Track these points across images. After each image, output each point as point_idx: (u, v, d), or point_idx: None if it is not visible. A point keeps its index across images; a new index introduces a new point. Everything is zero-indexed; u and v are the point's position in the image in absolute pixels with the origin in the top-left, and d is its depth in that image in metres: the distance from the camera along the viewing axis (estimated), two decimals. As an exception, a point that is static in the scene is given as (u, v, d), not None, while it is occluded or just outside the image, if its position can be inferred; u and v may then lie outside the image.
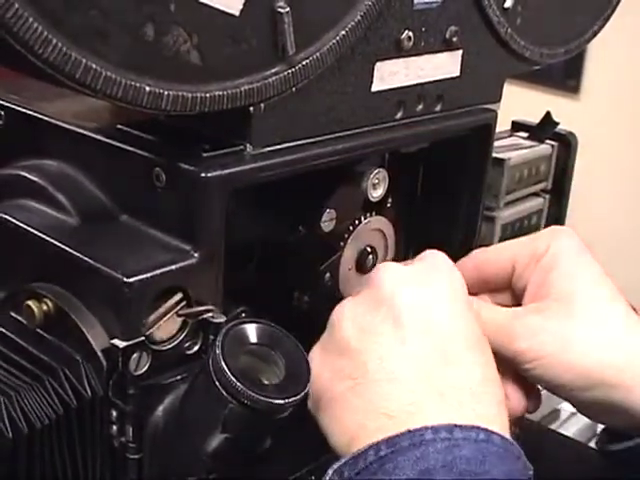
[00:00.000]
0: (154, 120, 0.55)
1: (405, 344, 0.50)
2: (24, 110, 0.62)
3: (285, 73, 0.52)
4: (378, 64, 0.59)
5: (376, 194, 0.65)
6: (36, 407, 0.50)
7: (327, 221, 0.63)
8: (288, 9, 0.50)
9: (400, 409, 0.48)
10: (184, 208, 0.52)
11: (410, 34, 0.60)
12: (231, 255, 0.54)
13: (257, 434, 0.51)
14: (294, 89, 0.54)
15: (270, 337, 0.51)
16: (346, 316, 0.53)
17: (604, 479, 0.69)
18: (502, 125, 0.75)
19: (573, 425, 1.13)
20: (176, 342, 0.52)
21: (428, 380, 0.49)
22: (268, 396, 0.48)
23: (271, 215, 0.63)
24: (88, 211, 0.56)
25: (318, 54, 0.54)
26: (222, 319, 0.53)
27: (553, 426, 1.11)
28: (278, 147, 0.55)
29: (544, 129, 0.87)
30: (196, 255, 0.52)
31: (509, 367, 0.55)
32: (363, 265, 0.67)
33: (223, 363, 0.47)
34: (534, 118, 0.88)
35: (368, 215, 0.66)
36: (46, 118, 0.60)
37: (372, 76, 0.59)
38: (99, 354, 0.50)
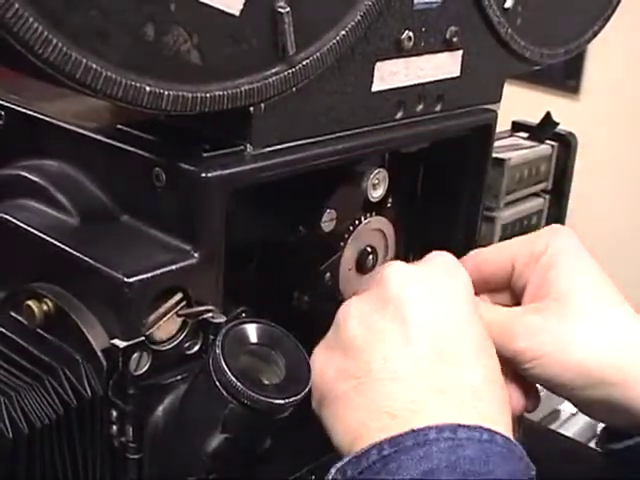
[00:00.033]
0: (154, 120, 0.55)
1: (410, 344, 0.50)
2: (24, 110, 0.62)
3: (285, 73, 0.52)
4: (378, 64, 0.59)
5: (376, 194, 0.65)
6: (36, 407, 0.50)
7: (327, 221, 0.63)
8: (288, 9, 0.50)
9: (403, 408, 0.48)
10: (184, 208, 0.52)
11: (410, 34, 0.60)
12: (231, 255, 0.54)
13: (257, 434, 0.51)
14: (294, 89, 0.54)
15: (270, 337, 0.51)
16: (352, 315, 0.53)
17: (604, 479, 0.69)
18: (502, 125, 0.75)
19: (573, 425, 1.13)
20: (176, 342, 0.52)
21: (431, 379, 0.49)
22: (268, 396, 0.48)
23: (271, 215, 0.63)
24: (88, 211, 0.56)
25: (318, 54, 0.54)
26: (222, 319, 0.53)
27: (553, 426, 1.11)
28: (278, 147, 0.55)
29: (544, 129, 0.87)
30: (196, 255, 0.52)
31: (508, 366, 0.55)
32: (363, 265, 0.67)
33: (223, 363, 0.47)
34: (534, 118, 0.88)
35: (368, 215, 0.66)
36: (46, 118, 0.60)
37: (372, 76, 0.59)
38: (99, 354, 0.50)
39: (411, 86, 0.63)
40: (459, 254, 0.61)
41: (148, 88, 0.46)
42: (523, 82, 1.94)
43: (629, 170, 2.14)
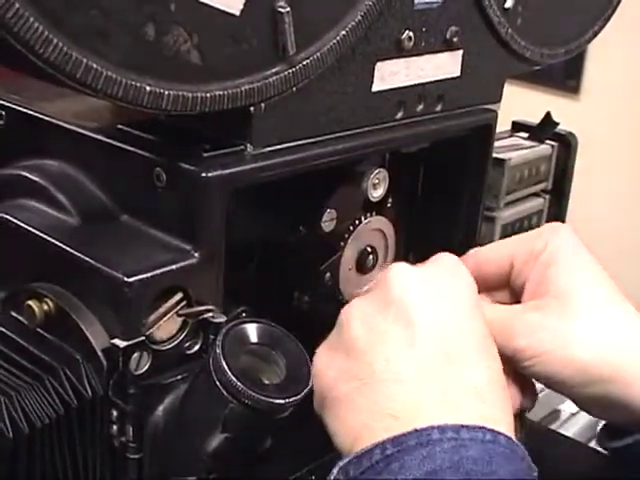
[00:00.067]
0: (154, 120, 0.55)
1: (414, 346, 0.50)
2: (25, 110, 0.62)
3: (285, 73, 0.52)
4: (379, 64, 0.59)
5: (376, 194, 0.65)
6: (36, 407, 0.50)
7: (327, 221, 0.63)
8: (288, 9, 0.50)
9: (405, 410, 0.48)
10: (184, 208, 0.52)
11: (411, 34, 0.60)
12: (231, 255, 0.54)
13: (257, 434, 0.51)
14: (294, 89, 0.54)
15: (271, 337, 0.51)
16: (355, 316, 0.52)
17: (604, 479, 0.69)
18: (502, 125, 0.75)
19: (573, 425, 1.13)
20: (176, 342, 0.52)
21: (434, 381, 0.49)
22: (269, 396, 0.48)
23: (271, 215, 0.63)
24: (89, 211, 0.56)
25: (318, 54, 0.54)
26: (222, 319, 0.53)
27: (553, 426, 1.11)
28: (278, 147, 0.55)
29: (544, 129, 0.87)
30: (196, 255, 0.52)
31: (506, 364, 0.55)
32: (363, 265, 0.67)
33: (224, 363, 0.47)
34: (534, 118, 0.88)
35: (368, 215, 0.66)
36: (47, 118, 0.60)
37: (372, 76, 0.59)
38: (99, 354, 0.50)
39: (411, 86, 0.63)
40: (459, 254, 0.61)
41: (148, 88, 0.46)
42: (523, 82, 1.94)
43: (629, 170, 2.14)
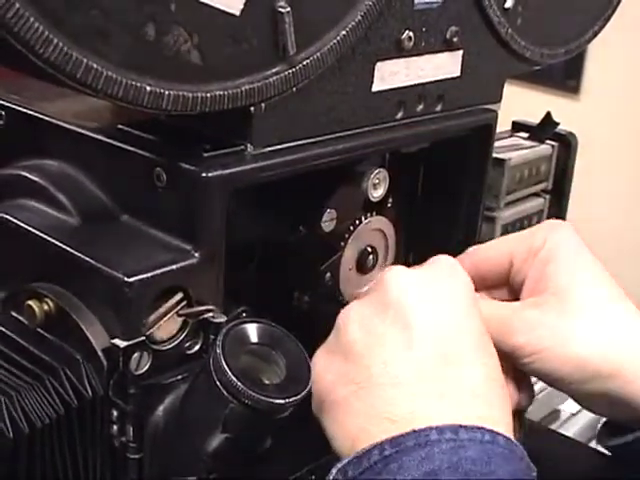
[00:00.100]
0: (155, 120, 0.55)
1: (411, 348, 0.50)
2: (25, 110, 0.62)
3: (286, 73, 0.52)
4: (379, 64, 0.59)
5: (376, 194, 0.65)
6: (37, 407, 0.50)
7: (327, 221, 0.63)
8: (289, 9, 0.50)
9: (403, 413, 0.48)
10: (185, 208, 0.52)
11: (411, 34, 0.60)
12: (232, 255, 0.54)
13: (257, 434, 0.51)
14: (295, 89, 0.54)
15: (271, 337, 0.51)
16: (352, 319, 0.52)
17: (604, 479, 0.69)
18: (502, 125, 0.75)
19: (573, 425, 1.13)
20: (177, 342, 0.52)
21: (432, 383, 0.49)
22: (269, 396, 0.48)
23: (272, 215, 0.63)
24: (89, 211, 0.56)
25: (319, 54, 0.54)
26: (223, 319, 0.53)
27: (553, 426, 1.11)
28: (279, 147, 0.55)
29: (544, 129, 0.87)
30: (197, 255, 0.52)
31: (503, 361, 0.55)
32: (364, 265, 0.67)
33: (224, 363, 0.47)
34: (534, 118, 0.88)
35: (368, 215, 0.66)
36: (47, 118, 0.60)
37: (373, 76, 0.59)
38: (100, 354, 0.50)
39: (411, 86, 0.63)
40: (459, 254, 0.61)
41: (149, 88, 0.46)
42: (523, 82, 1.94)
43: (629, 170, 2.14)
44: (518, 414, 0.59)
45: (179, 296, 0.51)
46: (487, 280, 0.61)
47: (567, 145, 0.87)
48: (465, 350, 0.50)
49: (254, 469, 0.53)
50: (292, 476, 0.62)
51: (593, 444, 0.86)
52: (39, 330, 0.53)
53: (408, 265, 0.67)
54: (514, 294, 0.60)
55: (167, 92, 0.47)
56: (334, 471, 0.48)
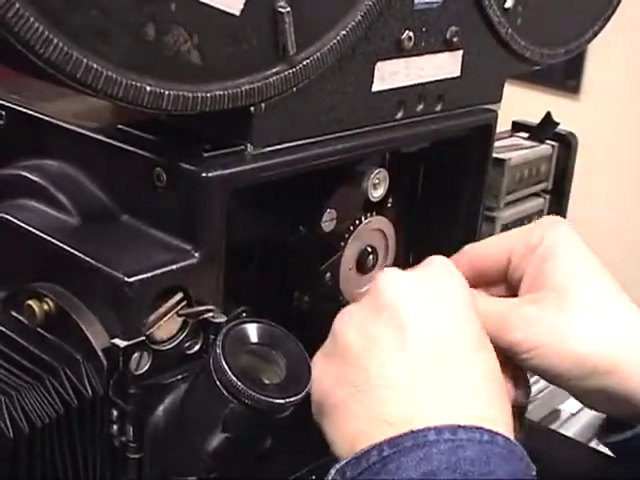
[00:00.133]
0: (155, 120, 0.55)
1: (406, 350, 0.50)
2: (25, 110, 0.62)
3: (286, 73, 0.52)
4: (379, 64, 0.59)
5: (376, 194, 0.65)
6: (37, 406, 0.50)
7: (328, 221, 0.63)
8: (289, 9, 0.50)
9: (399, 416, 0.48)
10: (185, 208, 0.52)
11: (411, 34, 0.60)
12: (232, 255, 0.54)
13: (258, 434, 0.51)
14: (295, 89, 0.54)
15: (271, 337, 0.51)
16: (348, 323, 0.53)
17: (604, 479, 0.69)
18: (502, 125, 0.75)
19: (573, 425, 1.13)
20: (177, 342, 0.52)
21: (428, 384, 0.49)
22: (269, 395, 0.48)
23: (272, 215, 0.63)
24: (89, 211, 0.56)
25: (319, 54, 0.54)
26: (223, 319, 0.53)
27: (553, 426, 1.11)
28: (279, 147, 0.55)
29: (544, 129, 0.87)
30: (197, 255, 0.52)
31: (499, 357, 0.55)
32: (364, 265, 0.67)
33: (224, 362, 0.47)
34: (534, 118, 0.88)
35: (369, 215, 0.66)
36: (47, 118, 0.60)
37: (373, 76, 0.60)
38: (100, 354, 0.51)
39: (411, 86, 0.63)
40: (459, 254, 0.61)
41: (149, 88, 0.46)
42: (523, 82, 1.94)
43: (629, 170, 2.14)
44: (518, 414, 0.59)
45: (179, 296, 0.51)
46: (485, 277, 0.61)
47: (567, 145, 0.87)
48: (462, 350, 0.50)
49: (254, 469, 0.53)
50: (292, 476, 0.62)
51: (593, 444, 0.86)
52: (39, 330, 0.53)
53: (408, 265, 0.68)
54: (512, 291, 0.60)
55: (167, 92, 0.47)
56: (332, 472, 0.48)
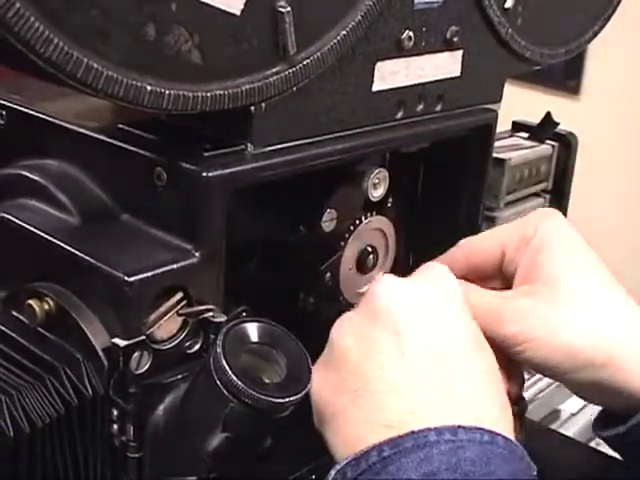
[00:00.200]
0: (155, 119, 0.55)
1: (404, 354, 0.50)
2: (25, 110, 0.62)
3: (286, 73, 0.52)
4: (379, 64, 0.59)
5: (377, 194, 0.65)
6: (37, 406, 0.51)
7: (328, 221, 0.63)
8: (289, 9, 0.50)
9: (399, 419, 0.48)
10: (185, 207, 0.52)
11: (411, 34, 0.60)
12: (232, 254, 0.54)
13: (258, 433, 0.51)
14: (295, 89, 0.54)
15: (271, 336, 0.51)
16: (345, 330, 0.53)
17: (604, 479, 0.69)
18: (502, 125, 0.75)
19: (573, 425, 1.13)
20: (177, 341, 0.52)
21: (428, 387, 0.49)
22: (269, 395, 0.48)
23: (272, 215, 0.63)
24: (89, 210, 0.57)
25: (319, 54, 0.54)
26: (223, 318, 0.53)
27: (553, 426, 1.11)
28: (279, 147, 0.55)
29: (544, 129, 0.87)
30: (197, 254, 0.52)
31: (492, 349, 0.55)
32: (364, 265, 0.67)
33: (224, 362, 0.47)
34: (534, 118, 0.88)
35: (369, 215, 0.66)
36: (47, 118, 0.60)
37: (373, 76, 0.60)
38: (100, 353, 0.51)
39: (411, 86, 0.63)
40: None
41: (149, 87, 0.47)
42: (523, 82, 1.94)
43: (629, 170, 2.14)
44: (518, 414, 0.59)
45: (179, 295, 0.51)
46: (481, 271, 0.60)
47: (567, 145, 0.87)
48: (460, 351, 0.50)
49: (254, 468, 0.53)
50: (292, 476, 0.62)
51: (593, 444, 0.86)
52: (40, 329, 0.53)
53: (408, 264, 0.68)
54: (508, 284, 0.60)
55: (168, 92, 0.47)
56: (333, 473, 0.48)
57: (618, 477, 0.66)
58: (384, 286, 0.53)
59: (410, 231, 0.72)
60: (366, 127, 0.61)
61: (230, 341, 0.49)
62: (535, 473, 0.48)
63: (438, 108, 0.66)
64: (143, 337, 0.50)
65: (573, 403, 1.12)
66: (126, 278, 0.49)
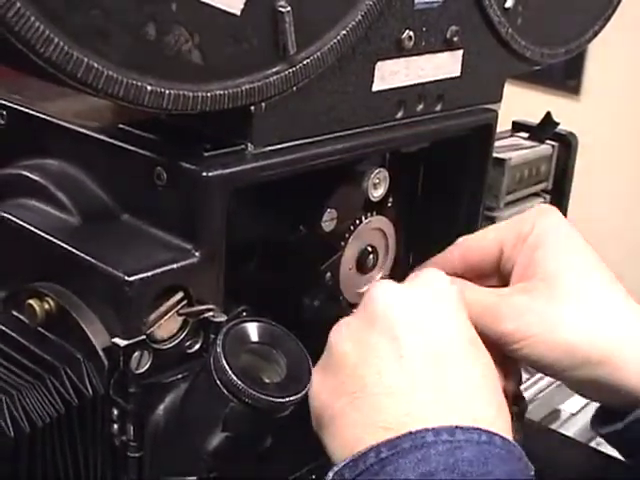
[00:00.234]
0: (155, 119, 0.55)
1: (402, 357, 0.50)
2: (26, 110, 0.62)
3: (286, 72, 0.52)
4: (379, 64, 0.60)
5: (377, 194, 0.65)
6: (38, 406, 0.51)
7: (328, 221, 0.63)
8: (289, 8, 0.50)
9: (397, 421, 0.48)
10: (185, 207, 0.52)
11: (411, 34, 0.60)
12: (232, 254, 0.54)
13: (258, 433, 0.51)
14: (295, 88, 0.54)
15: (271, 336, 0.51)
16: (343, 334, 0.53)
17: (604, 479, 0.69)
18: (502, 125, 0.75)
19: (573, 425, 1.13)
20: (177, 341, 0.52)
21: (426, 389, 0.49)
22: (269, 394, 0.48)
23: (272, 214, 0.63)
24: (89, 210, 0.57)
25: (319, 53, 0.54)
26: (223, 318, 0.53)
27: (553, 426, 1.11)
28: (279, 146, 0.55)
29: (544, 129, 0.87)
30: (197, 254, 0.52)
31: (488, 346, 0.55)
32: (364, 265, 0.67)
33: (224, 361, 0.47)
34: (534, 118, 0.88)
35: (369, 215, 0.67)
36: (48, 117, 0.60)
37: (373, 76, 0.60)
38: (100, 353, 0.51)
39: (411, 86, 0.63)
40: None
41: (149, 87, 0.47)
42: (523, 82, 1.94)
43: (629, 170, 2.14)
44: (519, 414, 0.59)
45: (179, 295, 0.51)
46: (478, 269, 0.60)
47: (567, 145, 0.87)
48: (457, 353, 0.50)
49: (254, 468, 0.53)
50: (292, 476, 0.62)
51: (593, 444, 0.86)
52: (40, 329, 0.53)
53: (409, 264, 0.68)
54: (505, 282, 0.59)
55: (168, 91, 0.47)
56: (331, 474, 0.48)
57: (618, 477, 0.66)
58: (381, 291, 0.53)
59: (410, 231, 0.72)
60: (366, 127, 0.61)
61: (230, 341, 0.49)
62: (533, 473, 0.48)
63: (438, 108, 0.66)
64: (143, 337, 0.50)
65: (573, 403, 1.13)
66: (126, 278, 0.49)
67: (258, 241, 0.64)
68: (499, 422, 0.48)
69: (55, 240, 0.53)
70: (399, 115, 0.63)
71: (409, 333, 0.50)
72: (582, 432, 1.10)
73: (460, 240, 0.62)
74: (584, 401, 1.07)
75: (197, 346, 0.53)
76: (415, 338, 0.50)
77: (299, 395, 0.49)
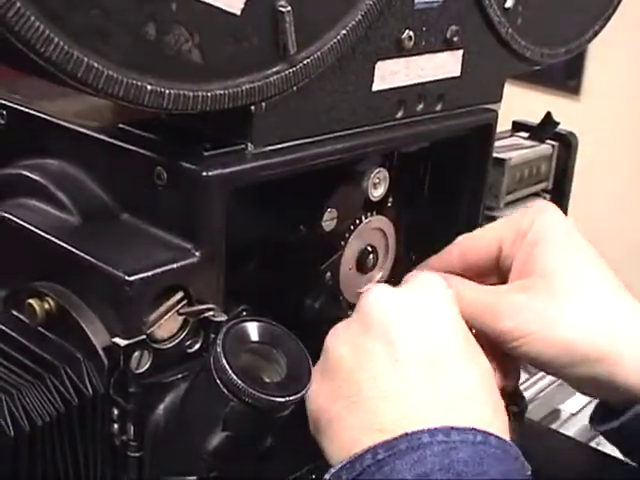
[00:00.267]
0: (155, 119, 0.55)
1: (397, 361, 0.50)
2: (26, 109, 0.62)
3: (286, 72, 0.52)
4: (379, 63, 0.60)
5: (377, 193, 0.65)
6: (38, 405, 0.51)
7: (328, 220, 0.63)
8: (289, 8, 0.50)
9: (393, 423, 0.48)
10: (185, 207, 0.52)
11: (411, 34, 0.60)
12: (232, 254, 0.54)
13: (258, 432, 0.51)
14: (295, 88, 0.54)
15: (271, 335, 0.51)
16: (339, 339, 0.53)
17: (604, 479, 0.69)
18: (503, 125, 0.75)
19: (573, 425, 1.13)
20: (177, 341, 0.52)
21: (421, 391, 0.49)
22: (269, 394, 0.48)
23: (272, 214, 0.63)
24: (89, 210, 0.57)
25: (319, 53, 0.54)
26: (223, 318, 0.53)
27: (553, 426, 1.11)
28: (279, 146, 0.55)
29: (545, 129, 0.87)
30: (197, 254, 0.52)
31: (489, 345, 0.55)
32: (364, 264, 0.67)
33: (224, 361, 0.47)
34: (535, 118, 0.88)
35: (369, 214, 0.67)
36: (48, 117, 0.60)
37: (373, 75, 0.60)
38: (100, 352, 0.51)
39: (411, 85, 0.63)
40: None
41: (149, 87, 0.47)
42: (523, 82, 1.94)
43: (629, 170, 2.14)
44: (518, 414, 0.59)
45: (179, 295, 0.51)
46: (478, 268, 0.60)
47: (567, 145, 0.87)
48: (452, 355, 0.51)
49: (254, 468, 0.53)
50: (292, 475, 0.63)
51: (593, 444, 0.86)
52: (40, 329, 0.53)
53: (408, 265, 0.68)
54: (505, 280, 0.59)
55: (168, 91, 0.47)
56: (328, 476, 0.48)
57: (618, 477, 0.66)
58: (376, 296, 0.53)
59: (410, 231, 0.72)
60: (366, 127, 0.61)
61: (230, 340, 0.49)
62: (529, 473, 0.48)
63: (438, 108, 0.66)
64: (143, 336, 0.50)
65: (573, 403, 1.13)
66: (126, 277, 0.49)
67: (258, 241, 0.64)
68: (496, 422, 0.49)
69: (55, 240, 0.53)
70: (399, 115, 0.63)
71: (404, 337, 0.51)
72: (582, 432, 1.10)
73: (459, 239, 0.62)
74: (584, 401, 1.07)
75: (197, 346, 0.53)
76: (410, 342, 0.50)
77: (299, 395, 0.49)
